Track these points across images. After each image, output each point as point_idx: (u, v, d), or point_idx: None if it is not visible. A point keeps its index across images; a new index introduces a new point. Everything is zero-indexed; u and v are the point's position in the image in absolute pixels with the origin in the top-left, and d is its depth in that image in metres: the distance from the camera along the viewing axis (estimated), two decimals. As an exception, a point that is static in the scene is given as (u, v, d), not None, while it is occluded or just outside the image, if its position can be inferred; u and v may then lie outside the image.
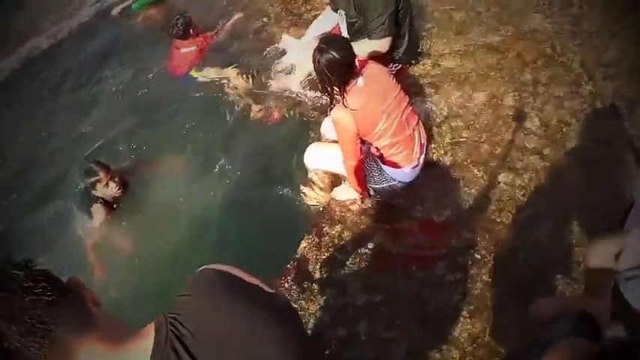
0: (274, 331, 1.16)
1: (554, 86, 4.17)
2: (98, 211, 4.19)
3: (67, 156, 5.42)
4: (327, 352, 3.18)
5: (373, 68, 3.37)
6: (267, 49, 5.67)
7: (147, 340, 1.11)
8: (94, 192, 4.11)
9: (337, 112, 3.29)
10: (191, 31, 5.86)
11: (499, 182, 3.71)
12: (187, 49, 5.93)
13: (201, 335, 1.11)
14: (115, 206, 4.30)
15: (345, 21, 4.25)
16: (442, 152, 4.00)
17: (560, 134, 3.87)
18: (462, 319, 3.13)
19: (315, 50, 3.21)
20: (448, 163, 3.92)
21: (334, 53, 3.12)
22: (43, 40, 7.75)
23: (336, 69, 3.16)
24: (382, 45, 4.04)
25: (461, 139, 4.03)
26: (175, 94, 5.77)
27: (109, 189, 4.08)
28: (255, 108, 5.13)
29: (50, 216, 4.77)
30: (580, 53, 4.37)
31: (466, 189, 3.74)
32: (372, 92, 3.26)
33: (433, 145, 4.04)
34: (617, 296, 1.97)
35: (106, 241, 4.23)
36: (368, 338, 3.18)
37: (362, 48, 3.93)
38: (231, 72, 5.61)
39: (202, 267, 1.29)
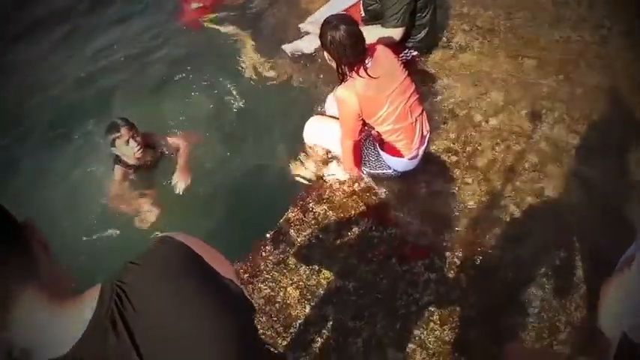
0: (218, 326, 1.09)
1: (570, 105, 4.06)
2: (117, 173, 4.00)
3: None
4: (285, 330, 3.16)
5: (381, 53, 3.30)
6: (289, 13, 5.56)
7: (88, 305, 1.04)
8: (113, 150, 3.86)
9: (342, 91, 3.25)
10: None
11: (495, 191, 3.63)
12: (197, 4, 5.83)
13: (144, 313, 1.05)
14: (133, 170, 4.05)
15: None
16: (443, 149, 3.91)
17: (565, 155, 3.77)
18: (431, 322, 3.07)
19: (325, 26, 3.17)
20: (447, 161, 3.84)
21: (344, 32, 3.08)
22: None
23: (344, 48, 3.12)
24: (394, 34, 3.99)
25: (465, 139, 3.95)
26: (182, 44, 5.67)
27: (129, 147, 3.78)
28: (264, 67, 5.04)
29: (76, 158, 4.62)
30: (602, 74, 4.26)
31: (460, 192, 3.66)
32: (379, 75, 3.19)
33: (436, 140, 3.96)
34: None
35: (118, 202, 4.07)
36: (332, 323, 3.14)
37: (373, 33, 3.88)
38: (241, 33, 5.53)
39: (164, 234, 1.21)
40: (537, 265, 3.25)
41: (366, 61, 3.19)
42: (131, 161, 3.92)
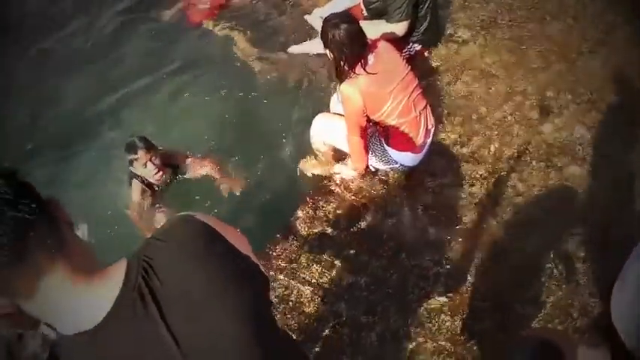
0: (238, 302, 1.14)
1: (575, 93, 4.07)
2: (135, 189, 3.95)
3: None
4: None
5: (383, 48, 3.33)
6: (292, 12, 5.58)
7: (115, 280, 1.07)
8: (132, 169, 3.84)
9: (345, 87, 3.27)
10: None
11: (501, 184, 3.65)
12: (203, 5, 5.84)
13: (170, 286, 1.08)
14: (154, 188, 4.01)
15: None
16: (450, 142, 3.93)
17: (572, 145, 3.79)
18: (442, 314, 3.10)
19: (325, 25, 3.21)
20: (454, 154, 3.86)
21: (344, 31, 3.12)
22: None
23: (344, 46, 3.15)
24: (399, 28, 4.01)
25: (471, 132, 3.96)
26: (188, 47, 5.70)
27: (147, 170, 3.75)
28: (270, 69, 5.06)
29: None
30: (606, 62, 4.26)
31: (467, 185, 3.68)
32: (381, 72, 3.22)
33: (441, 135, 3.98)
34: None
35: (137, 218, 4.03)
36: (346, 319, 3.17)
37: (376, 28, 3.90)
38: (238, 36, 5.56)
39: (184, 214, 1.24)
40: (547, 255, 3.27)
41: (368, 57, 3.22)
42: (150, 180, 3.90)
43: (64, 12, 6.53)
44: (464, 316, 3.08)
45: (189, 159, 4.15)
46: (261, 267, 1.29)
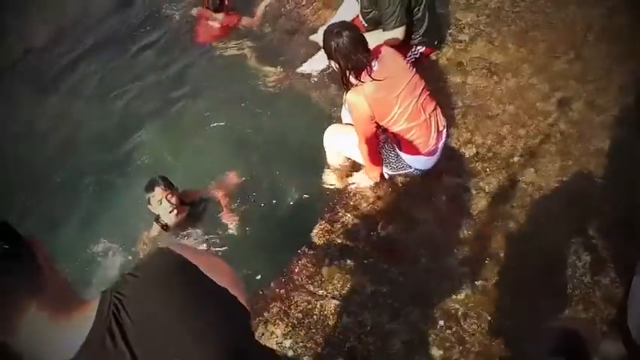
0: (211, 335, 1.14)
1: (585, 81, 4.00)
2: (154, 229, 4.01)
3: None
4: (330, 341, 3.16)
5: (387, 53, 3.31)
6: (298, 30, 5.62)
7: (87, 316, 1.09)
8: (150, 207, 3.85)
9: (351, 96, 3.26)
10: (226, 2, 5.83)
11: (518, 179, 3.59)
12: (214, 23, 5.89)
13: (141, 324, 1.09)
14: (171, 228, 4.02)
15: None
16: (463, 142, 3.89)
17: (588, 133, 3.72)
18: (466, 316, 3.04)
19: (327, 35, 3.20)
20: (468, 154, 3.81)
21: (347, 38, 3.11)
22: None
23: (349, 54, 3.14)
24: (396, 34, 4.00)
25: (485, 130, 3.92)
26: (200, 68, 5.76)
27: (163, 208, 3.77)
28: (280, 85, 5.12)
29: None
30: (612, 45, 4.20)
31: (484, 183, 3.63)
32: (386, 77, 3.19)
33: (454, 135, 3.94)
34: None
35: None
36: (371, 328, 3.11)
37: (376, 37, 3.84)
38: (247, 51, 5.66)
39: (162, 246, 1.26)
40: (569, 247, 3.20)
41: (372, 64, 3.20)
42: (166, 220, 3.91)
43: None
44: (489, 315, 3.02)
45: (201, 192, 4.21)
46: (242, 299, 1.28)
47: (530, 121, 3.88)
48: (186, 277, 1.20)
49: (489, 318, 3.01)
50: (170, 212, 3.79)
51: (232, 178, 4.34)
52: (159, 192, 3.71)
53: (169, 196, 3.74)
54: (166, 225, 3.96)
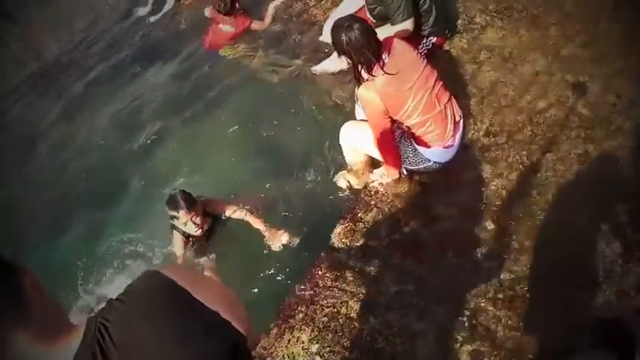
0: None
1: (600, 63, 3.88)
2: (176, 241, 3.99)
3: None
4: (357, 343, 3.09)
5: (397, 46, 3.24)
6: (309, 31, 5.64)
7: (73, 342, 1.08)
8: (173, 223, 3.86)
9: (362, 91, 3.22)
10: (237, 4, 5.91)
11: (540, 165, 3.48)
12: (226, 26, 5.97)
13: (125, 352, 1.08)
14: (191, 242, 4.04)
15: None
16: (482, 132, 3.80)
17: (607, 115, 3.60)
18: (496, 310, 2.94)
19: (336, 30, 3.14)
20: (487, 143, 3.72)
21: (357, 31, 3.06)
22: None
23: (362, 46, 3.08)
24: (404, 27, 3.95)
25: (502, 119, 3.83)
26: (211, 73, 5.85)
27: (188, 228, 3.76)
28: (293, 87, 5.11)
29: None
30: (624, 25, 4.07)
31: (505, 171, 3.53)
32: (397, 70, 3.13)
33: (472, 125, 3.86)
34: None
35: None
36: (398, 329, 3.04)
37: (386, 32, 3.79)
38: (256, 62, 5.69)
39: (152, 270, 1.24)
40: (596, 234, 3.07)
41: (383, 57, 3.14)
42: (191, 233, 3.88)
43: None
44: (519, 309, 2.91)
45: (227, 206, 4.09)
46: (236, 323, 1.25)
47: (548, 106, 3.78)
48: (174, 302, 1.17)
49: (519, 312, 2.90)
50: (196, 231, 3.78)
51: (253, 197, 4.26)
52: (183, 215, 3.67)
53: (194, 217, 3.70)
54: (190, 235, 3.96)
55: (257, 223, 3.96)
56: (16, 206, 5.65)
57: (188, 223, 3.69)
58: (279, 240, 3.80)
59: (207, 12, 6.14)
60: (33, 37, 8.87)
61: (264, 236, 3.90)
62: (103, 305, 1.17)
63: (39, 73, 8.19)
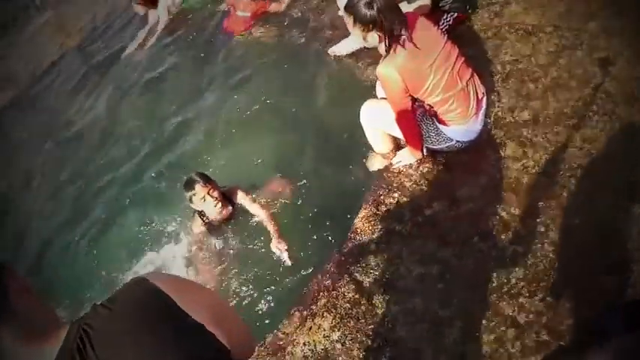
0: None
1: (626, 38, 3.73)
2: (195, 224, 3.99)
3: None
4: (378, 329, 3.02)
5: (417, 21, 3.12)
6: (326, 10, 5.59)
7: (54, 345, 1.07)
8: (192, 206, 3.82)
9: (382, 68, 3.12)
10: None
11: (566, 145, 3.34)
12: (243, 12, 6.00)
13: (104, 357, 1.07)
14: (214, 223, 4.00)
15: None
16: (506, 110, 3.68)
17: (634, 91, 3.44)
18: (522, 297, 2.81)
19: (358, 5, 3.00)
20: (512, 121, 3.60)
21: (383, 2, 2.95)
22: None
23: (389, 15, 2.98)
24: (423, 2, 3.93)
25: (527, 96, 3.69)
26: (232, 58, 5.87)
27: (207, 204, 3.71)
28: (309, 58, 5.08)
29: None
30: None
31: (531, 152, 3.40)
32: (417, 46, 3.02)
33: (495, 102, 3.74)
34: None
35: (196, 254, 4.05)
36: (422, 316, 2.95)
37: (404, 8, 3.66)
38: None
39: (140, 277, 1.22)
40: (624, 217, 2.93)
41: (403, 32, 3.02)
42: (212, 216, 3.87)
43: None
44: (546, 296, 2.78)
45: (241, 193, 4.02)
46: (220, 336, 1.22)
47: (573, 82, 3.63)
48: (157, 313, 1.15)
49: (544, 299, 2.77)
50: (215, 206, 3.73)
51: (279, 184, 4.20)
52: (200, 189, 3.65)
53: (212, 190, 3.68)
54: (209, 221, 3.93)
55: (269, 224, 3.87)
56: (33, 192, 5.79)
57: (206, 197, 3.66)
58: (278, 250, 3.69)
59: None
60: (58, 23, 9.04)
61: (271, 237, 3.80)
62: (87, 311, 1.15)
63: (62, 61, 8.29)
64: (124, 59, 7.24)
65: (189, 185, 3.67)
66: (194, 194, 3.66)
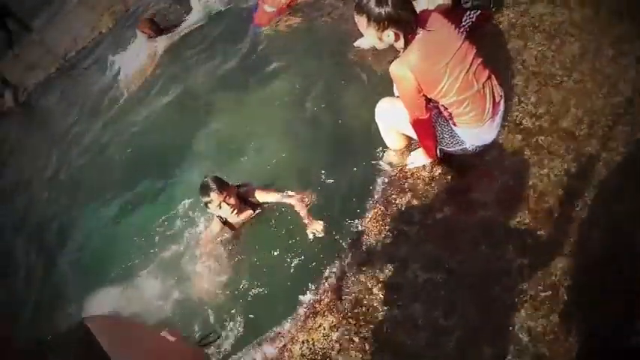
0: None
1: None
2: (214, 225, 3.99)
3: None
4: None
5: (433, 19, 3.00)
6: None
7: None
8: (208, 210, 3.83)
9: (395, 67, 3.01)
10: None
11: (584, 154, 3.21)
12: (271, 7, 6.09)
13: None
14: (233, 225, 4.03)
15: None
16: (525, 114, 3.57)
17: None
18: (525, 311, 2.72)
19: (368, 3, 2.89)
20: (530, 126, 3.49)
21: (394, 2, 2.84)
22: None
23: (402, 11, 2.87)
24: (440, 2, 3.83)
25: (547, 100, 3.57)
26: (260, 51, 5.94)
27: (223, 210, 3.73)
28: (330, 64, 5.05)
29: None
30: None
31: (547, 160, 3.28)
32: (431, 45, 2.93)
33: (515, 106, 3.63)
34: None
35: (210, 254, 4.07)
36: (422, 323, 2.89)
37: (423, 5, 3.67)
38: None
39: (80, 321, 1.20)
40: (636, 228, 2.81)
41: (417, 31, 2.93)
42: (231, 220, 3.92)
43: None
44: (555, 313, 2.67)
45: (259, 192, 4.01)
46: None
47: (597, 87, 3.50)
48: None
49: (555, 316, 2.66)
50: (232, 212, 3.75)
51: (305, 196, 4.08)
52: (215, 197, 3.65)
53: (227, 198, 3.68)
54: (227, 221, 3.96)
55: (300, 208, 3.86)
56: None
57: (222, 205, 3.67)
58: (315, 228, 3.68)
59: None
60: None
61: (304, 221, 3.79)
62: None
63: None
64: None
65: (205, 192, 3.67)
66: (210, 201, 3.67)
